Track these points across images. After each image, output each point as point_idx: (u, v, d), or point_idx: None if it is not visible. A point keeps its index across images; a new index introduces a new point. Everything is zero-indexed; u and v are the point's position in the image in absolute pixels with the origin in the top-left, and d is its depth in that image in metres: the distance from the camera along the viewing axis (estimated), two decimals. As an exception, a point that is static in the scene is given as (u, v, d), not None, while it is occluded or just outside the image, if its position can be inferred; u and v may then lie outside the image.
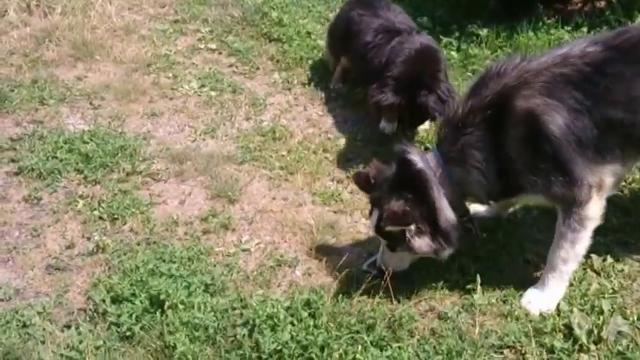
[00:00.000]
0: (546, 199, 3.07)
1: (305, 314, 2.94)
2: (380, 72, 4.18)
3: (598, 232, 3.33)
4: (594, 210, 3.01)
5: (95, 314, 3.01)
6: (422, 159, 3.12)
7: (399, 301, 3.11)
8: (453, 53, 5.16)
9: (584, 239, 3.05)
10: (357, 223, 3.69)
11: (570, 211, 3.01)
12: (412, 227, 3.05)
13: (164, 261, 3.26)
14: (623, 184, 3.90)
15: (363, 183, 3.28)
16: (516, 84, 2.95)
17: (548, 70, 2.95)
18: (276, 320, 2.87)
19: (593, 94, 2.89)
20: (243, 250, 3.47)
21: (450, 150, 3.08)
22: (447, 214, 3.07)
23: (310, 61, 5.31)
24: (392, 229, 3.07)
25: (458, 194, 3.13)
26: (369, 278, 3.20)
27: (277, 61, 5.36)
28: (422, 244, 3.10)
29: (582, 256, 3.10)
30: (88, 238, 3.50)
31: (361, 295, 3.12)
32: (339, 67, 4.99)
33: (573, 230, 3.03)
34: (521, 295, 3.13)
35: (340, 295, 3.08)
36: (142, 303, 2.98)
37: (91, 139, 4.18)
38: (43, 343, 2.86)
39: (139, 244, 3.44)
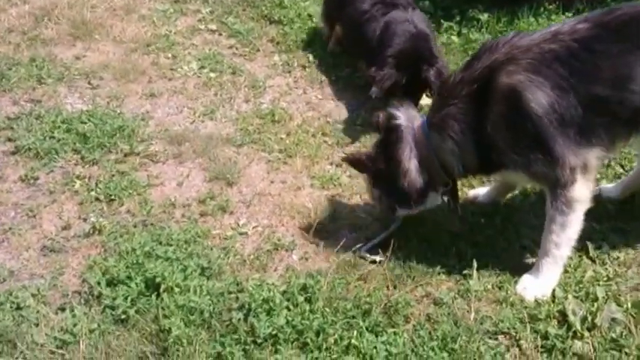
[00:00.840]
0: (528, 177, 3.10)
1: (301, 299, 2.94)
2: (373, 44, 4.27)
3: (593, 219, 3.39)
4: (580, 192, 2.99)
5: (90, 297, 3.00)
6: (407, 117, 3.21)
7: (395, 287, 3.11)
8: (454, 38, 5.14)
9: (574, 222, 3.04)
10: (354, 207, 3.67)
11: (556, 192, 3.01)
12: (366, 176, 3.33)
13: (160, 243, 3.25)
14: (621, 171, 3.89)
15: (356, 162, 3.38)
16: (504, 59, 2.95)
17: (538, 46, 2.93)
18: (271, 304, 2.88)
19: (579, 71, 2.86)
20: (241, 234, 3.46)
21: (433, 116, 3.15)
22: (411, 175, 3.17)
23: (311, 44, 5.27)
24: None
25: (433, 160, 3.16)
26: (366, 263, 3.24)
27: (277, 43, 5.32)
28: (376, 195, 3.37)
29: (574, 240, 3.08)
30: (85, 220, 3.48)
31: (358, 280, 3.14)
32: (333, 35, 5.06)
33: (561, 213, 3.02)
34: (516, 281, 3.14)
35: (337, 280, 3.08)
36: (137, 286, 2.97)
37: (89, 119, 4.15)
38: (37, 325, 2.86)
39: (135, 226, 3.43)
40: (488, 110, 2.95)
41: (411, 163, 3.17)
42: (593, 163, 2.99)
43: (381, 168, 3.25)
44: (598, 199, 3.61)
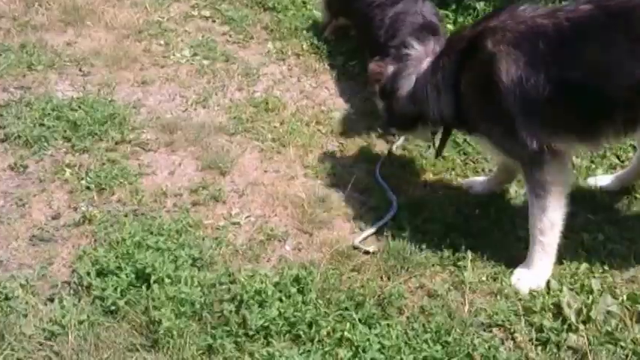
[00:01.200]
0: (495, 149, 3.17)
1: (294, 290, 2.91)
2: (380, 35, 4.19)
3: (589, 209, 3.44)
4: (551, 174, 2.97)
5: (79, 287, 2.95)
6: (420, 51, 3.48)
7: (389, 278, 3.09)
8: (450, 26, 5.06)
9: (552, 206, 3.01)
10: (349, 197, 3.64)
11: (527, 173, 3.04)
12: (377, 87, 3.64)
13: (151, 233, 3.20)
14: (616, 161, 3.87)
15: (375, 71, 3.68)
16: (497, 26, 2.98)
17: (532, 19, 2.93)
18: (264, 296, 2.85)
19: (559, 52, 2.82)
20: (233, 224, 3.41)
21: (436, 60, 3.28)
22: (402, 102, 3.42)
23: (305, 32, 5.20)
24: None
25: (423, 97, 3.30)
26: (360, 254, 3.21)
27: (271, 30, 5.25)
28: (380, 106, 3.75)
29: (559, 225, 3.05)
30: (75, 209, 3.43)
31: (351, 271, 3.12)
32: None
33: (537, 196, 3.01)
34: (511, 273, 3.12)
35: (330, 271, 3.06)
36: (127, 277, 2.93)
37: (80, 107, 4.08)
38: (25, 316, 2.81)
39: (126, 216, 3.37)
40: (468, 70, 3.05)
41: (404, 90, 3.40)
42: (561, 148, 2.96)
43: (385, 84, 3.53)
44: (593, 189, 3.65)
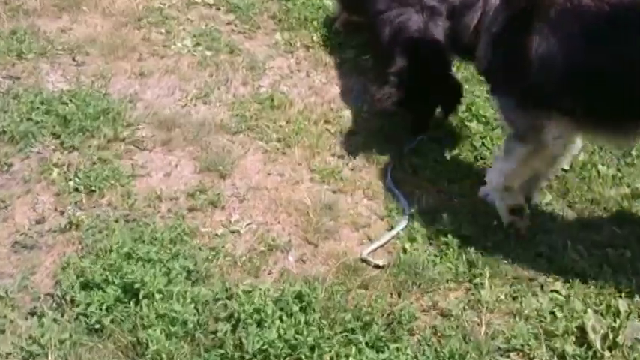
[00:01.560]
0: (500, 109, 3.23)
1: (295, 308, 2.73)
2: (384, 47, 3.93)
3: (614, 222, 3.28)
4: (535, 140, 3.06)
5: (63, 301, 2.75)
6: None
7: (399, 295, 2.92)
8: None
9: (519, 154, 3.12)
10: (357, 204, 3.43)
11: (509, 142, 3.19)
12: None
13: (143, 242, 2.98)
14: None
15: None
16: None
17: None
18: (263, 315, 2.66)
19: (588, 36, 2.86)
20: (232, 232, 3.20)
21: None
22: (464, 25, 3.27)
23: (315, 22, 4.93)
24: None
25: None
26: (369, 268, 3.02)
27: (279, 20, 4.99)
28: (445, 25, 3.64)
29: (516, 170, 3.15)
30: (61, 213, 3.21)
31: (359, 287, 2.93)
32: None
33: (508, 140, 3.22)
34: (533, 292, 2.94)
35: (335, 287, 2.88)
36: (114, 291, 2.72)
37: (71, 100, 3.86)
38: (2, 332, 2.61)
39: (116, 221, 3.16)
40: (510, 27, 3.03)
41: (469, 20, 3.25)
42: (549, 129, 3.01)
43: (455, 7, 3.40)
44: (619, 199, 3.46)
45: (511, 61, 3.03)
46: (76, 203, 3.26)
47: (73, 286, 2.75)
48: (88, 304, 2.67)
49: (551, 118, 2.97)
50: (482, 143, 3.80)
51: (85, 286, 2.76)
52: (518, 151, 3.10)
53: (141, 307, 2.66)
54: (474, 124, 3.93)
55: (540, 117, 2.98)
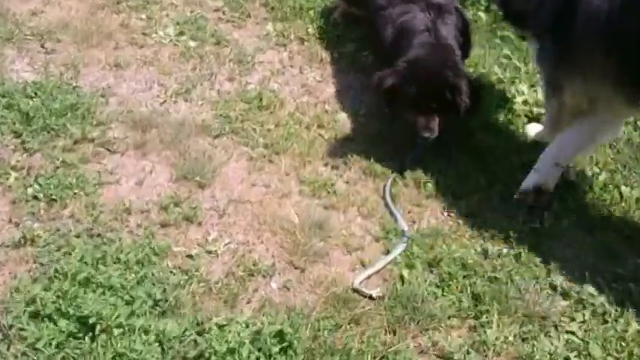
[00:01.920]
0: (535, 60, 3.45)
1: (275, 350, 2.42)
2: (387, 47, 3.69)
3: (637, 254, 3.02)
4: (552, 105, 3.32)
5: (10, 332, 2.40)
6: None
7: (394, 333, 2.64)
8: (481, 14, 4.60)
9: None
10: (350, 223, 3.13)
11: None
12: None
13: (105, 263, 2.65)
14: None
15: None
16: None
17: None
18: (237, 357, 2.37)
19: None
20: (209, 252, 2.88)
21: None
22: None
23: (311, 12, 4.63)
24: None
25: None
26: (361, 299, 2.73)
27: (272, 8, 4.67)
28: None
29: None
30: (17, 224, 2.88)
31: (349, 322, 2.64)
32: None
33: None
34: (545, 334, 2.68)
35: (322, 322, 2.60)
36: (67, 324, 2.38)
37: (36, 93, 3.52)
38: None
39: (78, 237, 2.82)
40: None
41: None
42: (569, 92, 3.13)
43: None
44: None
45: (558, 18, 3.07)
46: (33, 214, 2.94)
47: (19, 317, 2.42)
48: (38, 339, 2.34)
49: (593, 75, 3.00)
50: (491, 155, 3.52)
51: (35, 316, 2.43)
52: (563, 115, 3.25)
53: (97, 344, 2.33)
54: (483, 135, 3.66)
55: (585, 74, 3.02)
